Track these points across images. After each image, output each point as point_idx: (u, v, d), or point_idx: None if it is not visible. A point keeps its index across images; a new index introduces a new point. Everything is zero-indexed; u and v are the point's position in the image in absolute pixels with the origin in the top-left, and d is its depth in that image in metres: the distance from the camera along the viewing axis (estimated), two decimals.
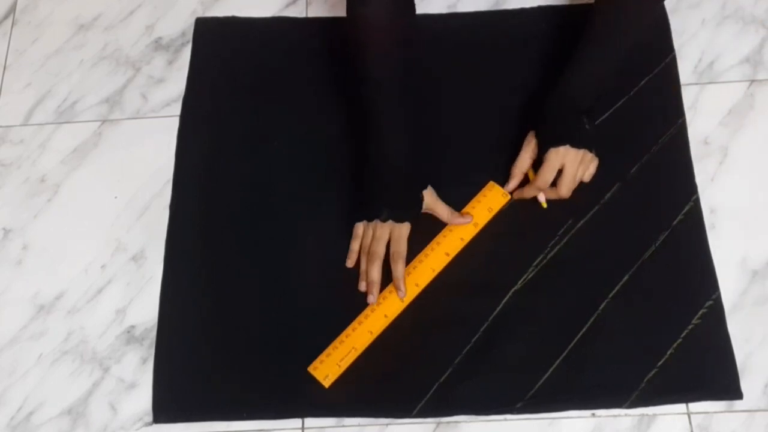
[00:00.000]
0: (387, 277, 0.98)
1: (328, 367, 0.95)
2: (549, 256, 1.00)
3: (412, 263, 0.99)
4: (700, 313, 0.96)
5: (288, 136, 1.10)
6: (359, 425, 0.94)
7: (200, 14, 1.21)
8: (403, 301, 0.98)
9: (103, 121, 1.13)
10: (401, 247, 0.98)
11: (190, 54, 1.17)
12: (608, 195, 1.03)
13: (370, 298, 0.97)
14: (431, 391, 0.94)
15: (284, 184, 1.07)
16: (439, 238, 1.01)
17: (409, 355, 0.96)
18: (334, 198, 1.05)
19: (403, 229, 0.98)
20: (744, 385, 0.93)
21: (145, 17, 1.21)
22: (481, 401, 0.93)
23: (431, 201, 1.00)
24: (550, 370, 0.94)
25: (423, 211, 1.00)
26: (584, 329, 0.96)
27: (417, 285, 0.98)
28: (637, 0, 0.92)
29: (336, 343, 0.96)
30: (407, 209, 0.99)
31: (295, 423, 0.94)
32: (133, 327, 1.00)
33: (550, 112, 0.99)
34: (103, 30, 1.20)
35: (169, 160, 1.09)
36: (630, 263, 0.99)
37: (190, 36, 1.19)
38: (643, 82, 1.10)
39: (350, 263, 1.01)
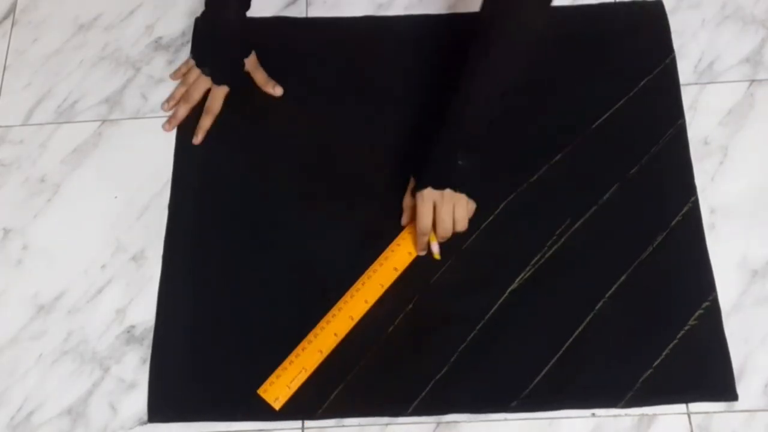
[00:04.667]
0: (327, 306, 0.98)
1: (279, 389, 0.94)
2: (546, 256, 1.00)
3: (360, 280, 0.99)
4: (696, 314, 0.96)
5: (287, 135, 1.10)
6: (359, 425, 0.94)
7: (200, 14, 1.20)
8: (352, 319, 0.97)
9: (103, 121, 1.13)
10: (216, 104, 1.09)
11: (190, 54, 1.17)
12: (607, 195, 1.03)
13: (166, 126, 1.10)
14: (427, 389, 0.94)
15: (283, 184, 1.07)
16: (375, 265, 1.00)
17: (404, 352, 0.96)
18: (334, 196, 1.05)
19: (220, 91, 1.10)
20: (744, 385, 0.93)
21: (145, 17, 1.21)
22: (476, 400, 0.94)
23: (252, 66, 1.11)
24: (546, 369, 0.94)
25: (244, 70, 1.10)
26: (580, 328, 0.96)
27: (366, 301, 0.98)
28: (518, 32, 0.89)
29: (285, 364, 0.95)
30: (226, 73, 1.09)
31: (295, 423, 0.94)
32: (133, 327, 1.00)
33: (425, 151, 0.97)
34: (103, 30, 1.20)
35: (169, 160, 1.09)
36: (627, 263, 0.99)
37: (190, 36, 1.19)
38: (642, 82, 1.10)
39: (167, 107, 1.12)
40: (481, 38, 0.91)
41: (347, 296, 0.98)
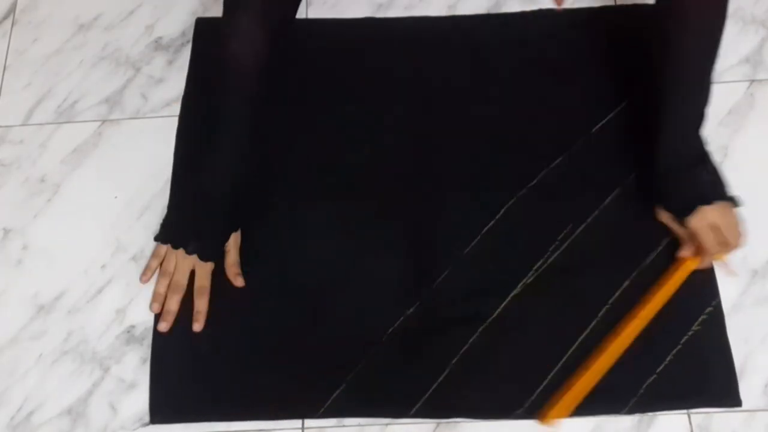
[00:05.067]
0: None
1: (560, 410, 0.91)
2: (549, 261, 1.00)
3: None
4: (700, 319, 0.96)
5: (287, 135, 1.10)
6: (359, 425, 0.94)
7: (200, 14, 1.21)
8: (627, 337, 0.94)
9: (103, 121, 1.13)
10: (206, 282, 0.98)
11: (190, 54, 1.17)
12: (608, 200, 1.03)
13: (163, 326, 0.97)
14: (428, 393, 0.94)
15: (283, 184, 1.06)
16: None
17: (406, 356, 0.96)
18: (335, 198, 1.05)
19: (207, 267, 0.98)
20: (744, 385, 0.93)
21: (145, 17, 1.21)
22: (480, 405, 0.93)
23: (232, 242, 1.00)
24: (550, 375, 0.94)
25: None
26: (584, 335, 0.96)
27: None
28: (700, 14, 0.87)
29: (566, 388, 0.92)
30: (214, 249, 0.99)
31: (295, 423, 0.94)
32: (133, 327, 1.00)
33: (664, 181, 0.96)
34: (103, 30, 1.20)
35: (169, 160, 1.09)
36: (630, 269, 0.99)
37: (190, 36, 1.19)
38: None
39: (145, 279, 1.00)
40: (673, 29, 0.89)
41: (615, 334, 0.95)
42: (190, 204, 0.99)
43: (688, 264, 0.97)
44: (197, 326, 0.97)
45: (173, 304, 0.98)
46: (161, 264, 1.00)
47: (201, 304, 0.98)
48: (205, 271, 0.98)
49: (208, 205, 0.97)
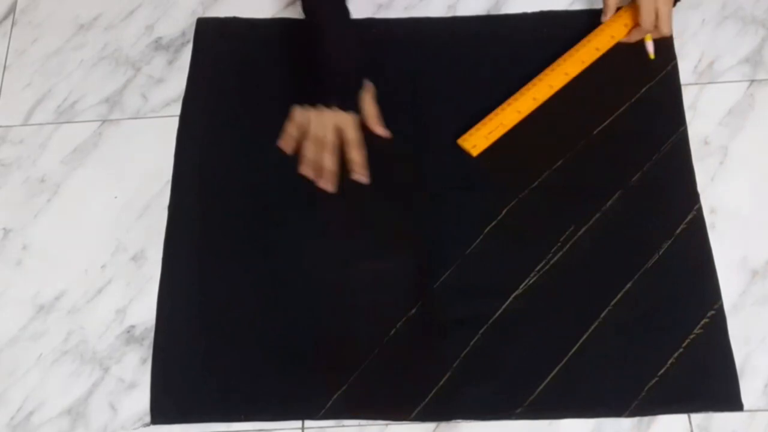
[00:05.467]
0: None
1: (477, 138, 1.04)
2: (551, 262, 1.00)
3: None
4: (702, 322, 0.95)
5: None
6: (359, 425, 0.94)
7: (200, 14, 1.21)
8: (552, 87, 1.07)
9: (103, 121, 1.13)
10: (355, 134, 0.98)
11: (191, 54, 1.17)
12: (610, 202, 1.03)
13: (330, 186, 0.99)
14: (430, 395, 0.94)
15: (283, 185, 1.06)
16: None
17: (407, 357, 0.96)
18: (335, 198, 1.05)
19: (351, 118, 0.99)
20: (744, 386, 0.93)
21: (145, 17, 1.21)
22: (479, 406, 0.93)
23: (366, 96, 1.02)
24: (550, 376, 0.94)
25: None
26: (585, 336, 0.96)
27: (551, 86, 1.08)
28: None
29: (486, 119, 1.05)
30: (353, 97, 1.00)
31: (295, 424, 0.94)
32: (133, 327, 1.00)
33: None
34: (103, 30, 1.20)
35: (169, 160, 1.09)
36: (632, 271, 0.99)
37: (190, 36, 1.19)
38: (644, 89, 1.09)
39: (288, 149, 1.00)
40: None
41: (548, 69, 1.08)
42: (320, 63, 1.01)
43: (616, 27, 1.11)
44: (362, 178, 1.00)
45: (330, 163, 0.99)
46: (302, 134, 1.01)
47: (358, 156, 0.99)
48: (350, 122, 1.00)
49: (339, 58, 1.00)
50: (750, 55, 1.12)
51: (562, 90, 1.09)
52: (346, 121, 0.99)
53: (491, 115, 1.06)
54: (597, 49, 1.10)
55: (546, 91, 1.08)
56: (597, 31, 1.12)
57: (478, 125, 1.06)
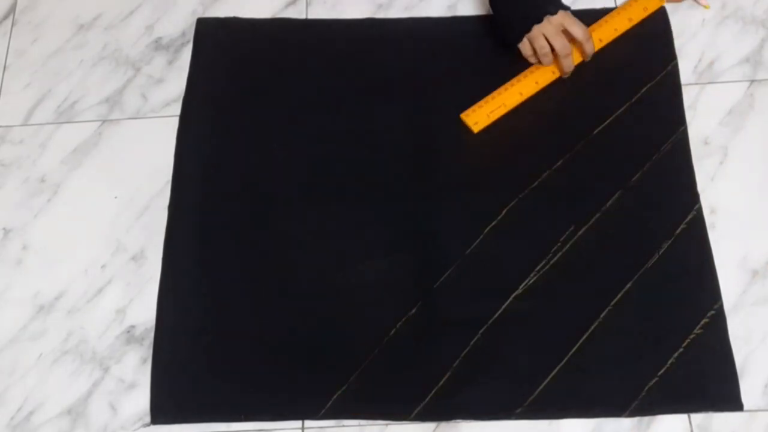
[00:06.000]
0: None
1: (479, 115, 1.07)
2: (551, 262, 1.00)
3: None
4: (702, 322, 0.95)
5: (288, 136, 1.10)
6: (359, 425, 0.94)
7: (200, 14, 1.21)
8: (554, 73, 1.10)
9: (103, 121, 1.13)
10: (583, 28, 1.07)
11: (191, 54, 1.17)
12: (610, 202, 1.03)
13: (568, 73, 1.09)
14: (430, 395, 0.93)
15: (284, 184, 1.07)
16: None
17: (407, 357, 0.96)
18: (335, 198, 1.05)
19: (569, 15, 1.07)
20: (744, 386, 0.93)
21: (145, 17, 1.21)
22: (479, 406, 0.93)
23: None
24: (550, 376, 0.94)
25: None
26: (585, 336, 0.95)
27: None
28: None
29: (488, 97, 1.08)
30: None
31: (295, 424, 0.94)
32: (133, 327, 1.00)
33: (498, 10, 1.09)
34: (103, 30, 1.20)
35: (169, 160, 1.09)
36: (632, 271, 0.98)
37: (190, 36, 1.19)
38: (644, 89, 1.09)
39: (547, 61, 1.08)
40: None
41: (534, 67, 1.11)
42: None
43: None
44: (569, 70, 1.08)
45: (571, 66, 1.08)
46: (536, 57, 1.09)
47: (590, 47, 1.08)
48: (573, 21, 1.07)
49: None
50: (750, 55, 1.12)
51: (562, 90, 1.10)
52: (570, 21, 1.07)
53: (494, 94, 1.09)
54: (615, 30, 1.12)
55: (548, 76, 1.10)
56: (613, 13, 1.14)
57: (481, 102, 1.08)
